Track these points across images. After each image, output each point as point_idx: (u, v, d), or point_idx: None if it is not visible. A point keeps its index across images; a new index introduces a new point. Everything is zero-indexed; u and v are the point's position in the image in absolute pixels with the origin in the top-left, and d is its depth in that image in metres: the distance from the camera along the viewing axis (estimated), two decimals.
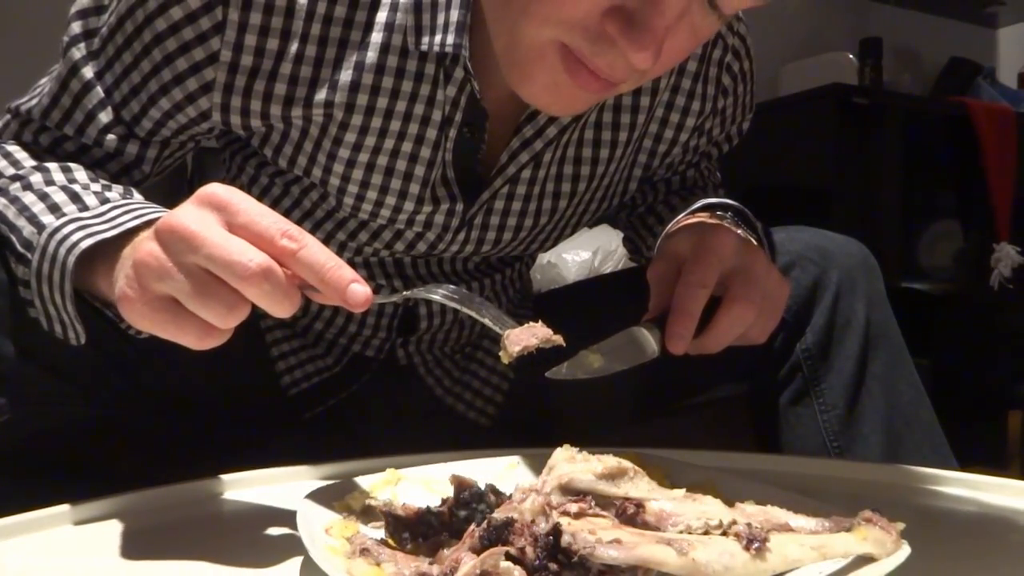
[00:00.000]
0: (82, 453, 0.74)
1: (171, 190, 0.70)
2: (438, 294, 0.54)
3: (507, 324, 0.54)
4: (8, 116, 0.73)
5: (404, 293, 0.55)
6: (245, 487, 0.64)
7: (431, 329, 0.86)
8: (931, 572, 0.48)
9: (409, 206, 0.74)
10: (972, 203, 2.65)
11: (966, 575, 0.49)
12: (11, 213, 0.62)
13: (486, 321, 0.54)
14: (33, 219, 0.60)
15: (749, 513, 0.45)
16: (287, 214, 0.78)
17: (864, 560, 0.43)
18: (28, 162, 0.67)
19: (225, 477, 0.64)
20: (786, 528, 0.44)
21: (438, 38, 0.66)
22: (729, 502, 0.47)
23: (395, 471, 0.59)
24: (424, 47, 0.67)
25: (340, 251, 0.79)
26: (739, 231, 0.74)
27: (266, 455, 0.68)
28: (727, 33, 0.81)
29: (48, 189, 0.63)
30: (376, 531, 0.50)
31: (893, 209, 2.47)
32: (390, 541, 0.48)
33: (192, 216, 0.48)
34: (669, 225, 0.79)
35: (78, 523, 0.55)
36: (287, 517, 0.47)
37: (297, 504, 0.49)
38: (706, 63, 0.81)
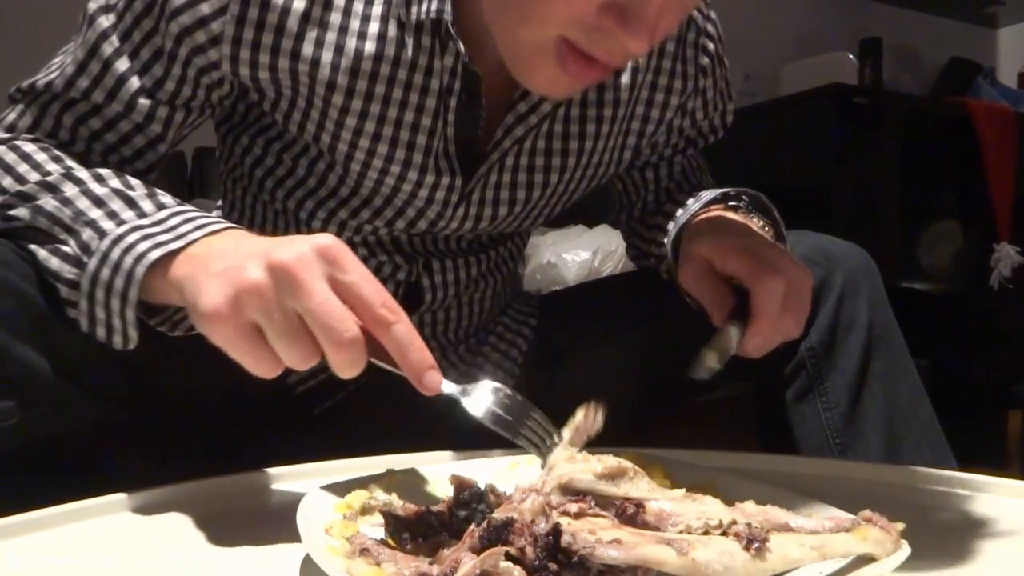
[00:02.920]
0: (89, 455, 0.74)
1: (171, 190, 0.70)
2: (481, 410, 0.56)
3: (547, 447, 0.56)
4: (19, 97, 0.73)
5: (461, 397, 0.57)
6: (246, 487, 0.64)
7: (436, 302, 0.87)
8: (931, 572, 0.48)
9: (413, 175, 0.76)
10: (972, 203, 2.65)
11: (966, 575, 0.49)
12: (66, 216, 0.63)
13: (522, 443, 0.56)
14: (92, 224, 0.62)
15: (749, 513, 0.45)
16: (290, 194, 0.80)
17: (864, 560, 0.43)
18: (50, 165, 0.67)
19: (225, 477, 0.64)
20: (786, 528, 0.44)
21: (424, 6, 0.70)
22: (729, 502, 0.47)
23: (395, 471, 0.59)
24: (413, 17, 0.70)
25: (341, 230, 0.80)
26: (757, 222, 0.77)
27: (271, 454, 0.68)
28: (699, 16, 0.85)
29: (100, 193, 0.63)
30: (376, 531, 0.50)
31: (893, 209, 2.47)
32: (390, 541, 0.48)
33: (304, 263, 0.50)
34: (687, 216, 0.81)
35: (78, 523, 0.55)
36: (287, 517, 0.47)
37: (297, 504, 0.49)
38: (683, 44, 0.85)
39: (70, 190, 0.64)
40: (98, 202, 0.63)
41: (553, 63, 0.63)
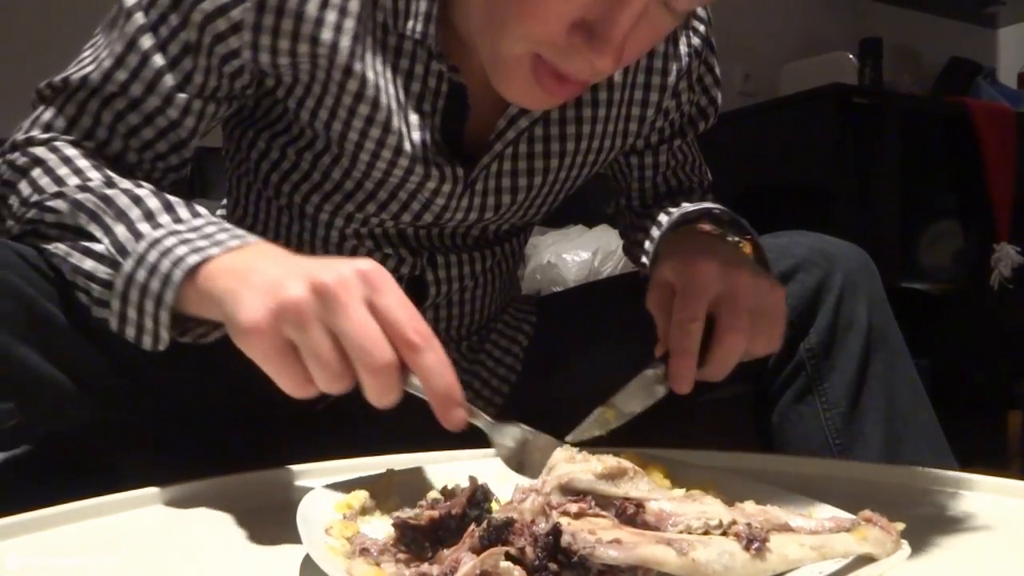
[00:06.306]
0: (89, 456, 0.74)
1: (171, 191, 0.70)
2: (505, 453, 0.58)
3: None
4: (49, 94, 0.72)
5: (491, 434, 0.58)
6: (246, 487, 0.64)
7: (440, 296, 0.87)
8: (931, 572, 0.48)
9: (419, 168, 0.76)
10: (972, 203, 2.65)
11: (966, 575, 0.49)
12: (105, 214, 0.64)
13: None
14: (131, 226, 0.63)
15: (749, 513, 0.45)
16: (296, 188, 0.80)
17: (864, 560, 0.43)
18: (92, 172, 0.68)
19: (225, 477, 0.64)
20: (786, 528, 0.44)
21: (411, 24, 0.72)
22: (729, 502, 0.47)
23: (395, 471, 0.59)
24: (400, 30, 0.72)
25: (347, 223, 0.81)
26: (724, 240, 0.76)
27: (272, 454, 0.68)
28: None
29: (140, 193, 0.65)
30: (376, 531, 0.50)
31: (893, 209, 2.47)
32: (404, 552, 0.47)
33: (345, 284, 0.51)
34: (656, 243, 0.83)
35: (78, 523, 0.55)
36: (287, 517, 0.47)
37: (297, 504, 0.49)
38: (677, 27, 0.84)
39: (111, 191, 0.65)
40: (137, 201, 0.64)
41: (529, 75, 0.65)
